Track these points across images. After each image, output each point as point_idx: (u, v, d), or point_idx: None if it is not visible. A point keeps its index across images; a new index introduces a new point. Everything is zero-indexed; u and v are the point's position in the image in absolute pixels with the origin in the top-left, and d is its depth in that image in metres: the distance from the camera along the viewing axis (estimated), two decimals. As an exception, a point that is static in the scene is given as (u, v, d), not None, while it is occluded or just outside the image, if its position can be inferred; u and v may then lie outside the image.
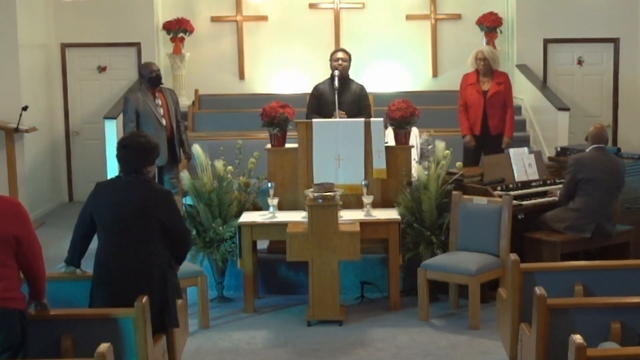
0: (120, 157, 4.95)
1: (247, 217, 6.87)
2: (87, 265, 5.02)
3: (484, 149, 8.28)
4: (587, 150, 6.90)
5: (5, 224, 4.22)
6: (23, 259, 4.29)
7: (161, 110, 8.08)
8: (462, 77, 8.55)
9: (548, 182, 7.39)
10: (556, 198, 7.04)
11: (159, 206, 4.87)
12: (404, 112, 7.13)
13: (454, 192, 6.76)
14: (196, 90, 11.28)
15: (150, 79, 8.09)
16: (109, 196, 4.88)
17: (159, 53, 11.39)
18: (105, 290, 4.79)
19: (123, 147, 4.93)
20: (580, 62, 11.51)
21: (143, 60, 10.53)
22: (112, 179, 5.16)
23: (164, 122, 8.04)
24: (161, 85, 8.23)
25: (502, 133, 8.38)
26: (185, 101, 11.17)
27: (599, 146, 6.85)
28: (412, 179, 7.05)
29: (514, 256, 5.22)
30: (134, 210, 4.81)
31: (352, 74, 8.06)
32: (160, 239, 4.89)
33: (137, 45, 11.25)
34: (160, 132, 7.95)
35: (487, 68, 8.29)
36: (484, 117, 8.29)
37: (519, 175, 7.28)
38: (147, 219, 4.83)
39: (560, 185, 7.07)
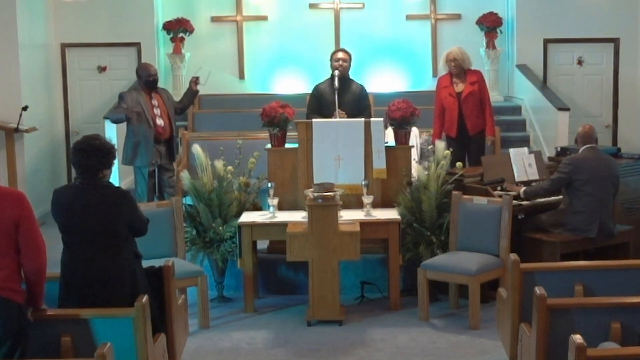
0: (75, 161, 4.75)
1: (247, 217, 6.87)
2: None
3: (466, 150, 8.25)
4: (580, 151, 6.88)
5: (7, 209, 4.20)
6: (23, 250, 4.24)
7: (157, 111, 8.07)
8: (437, 80, 8.47)
9: (548, 182, 7.38)
10: (554, 197, 7.03)
11: (124, 210, 4.77)
12: (404, 112, 7.12)
13: (454, 192, 6.75)
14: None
15: (147, 82, 8.10)
16: (70, 204, 4.72)
17: (159, 53, 11.39)
18: (77, 297, 4.71)
19: (78, 151, 4.71)
20: (580, 62, 11.51)
21: (143, 61, 10.52)
22: (70, 186, 4.89)
23: (158, 122, 8.04)
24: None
25: (482, 131, 8.26)
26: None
27: (592, 146, 6.85)
28: (412, 179, 7.05)
29: (514, 256, 5.21)
30: (101, 220, 4.69)
31: (352, 74, 8.05)
32: (126, 238, 4.84)
33: (137, 45, 11.25)
34: (150, 132, 7.97)
35: (458, 69, 8.17)
36: (460, 119, 8.20)
37: (519, 175, 7.27)
38: (115, 225, 4.74)
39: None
